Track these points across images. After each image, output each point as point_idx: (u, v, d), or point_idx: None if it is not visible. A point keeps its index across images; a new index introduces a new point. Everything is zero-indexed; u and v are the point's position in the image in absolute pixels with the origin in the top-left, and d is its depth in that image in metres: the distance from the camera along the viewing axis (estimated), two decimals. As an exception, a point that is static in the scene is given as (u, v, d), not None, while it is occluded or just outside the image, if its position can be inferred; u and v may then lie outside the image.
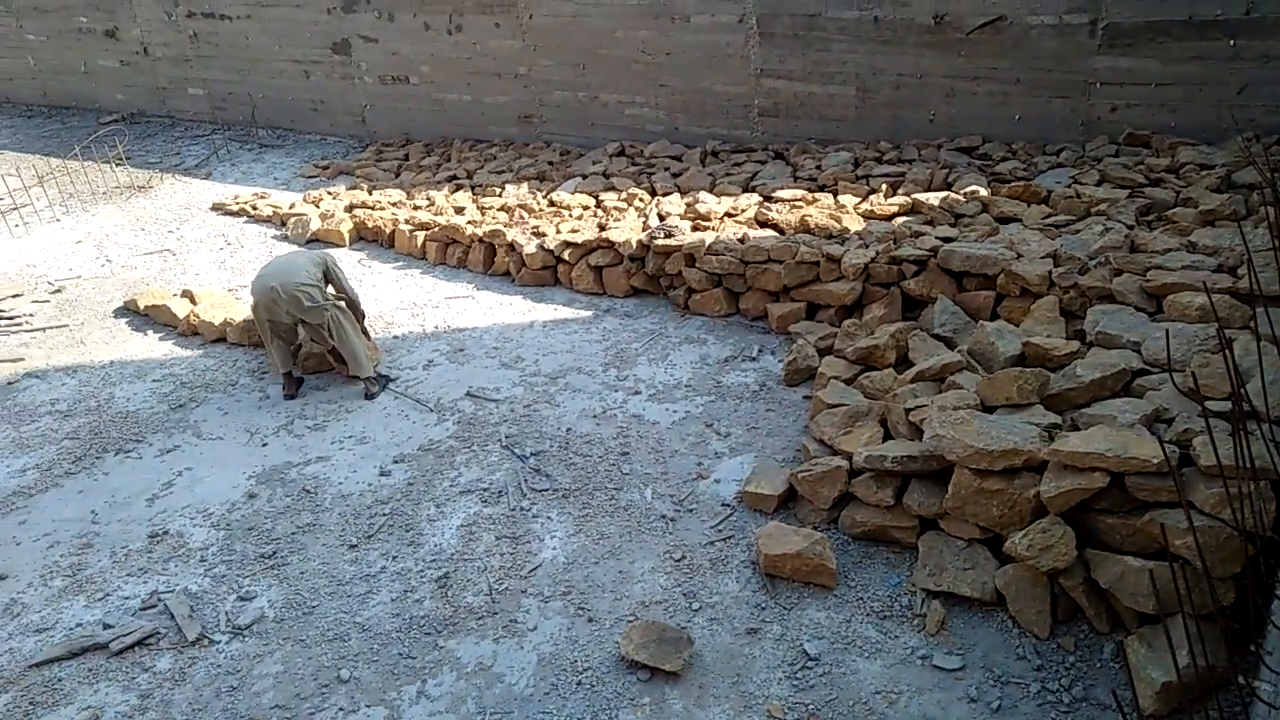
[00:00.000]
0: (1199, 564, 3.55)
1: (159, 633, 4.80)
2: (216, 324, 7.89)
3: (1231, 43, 7.76)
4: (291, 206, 10.59)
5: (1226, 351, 3.49)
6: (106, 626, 4.87)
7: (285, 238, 10.01)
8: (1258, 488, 3.66)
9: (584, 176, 10.06)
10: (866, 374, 6.09)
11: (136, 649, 4.70)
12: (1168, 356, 4.17)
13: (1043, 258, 6.37)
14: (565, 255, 8.31)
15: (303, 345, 7.19)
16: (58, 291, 9.17)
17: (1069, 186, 7.65)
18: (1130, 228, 6.72)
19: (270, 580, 5.11)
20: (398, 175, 11.47)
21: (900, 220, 7.62)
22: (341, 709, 4.24)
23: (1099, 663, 4.11)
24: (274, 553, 5.32)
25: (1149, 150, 8.19)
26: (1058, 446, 4.30)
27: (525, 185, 10.04)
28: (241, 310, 8.02)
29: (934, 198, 7.82)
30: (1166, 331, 3.95)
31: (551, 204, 9.39)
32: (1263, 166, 6.42)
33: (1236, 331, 4.97)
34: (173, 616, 4.90)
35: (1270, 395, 4.10)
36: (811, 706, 4.05)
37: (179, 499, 5.91)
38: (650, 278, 8.04)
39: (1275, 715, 2.83)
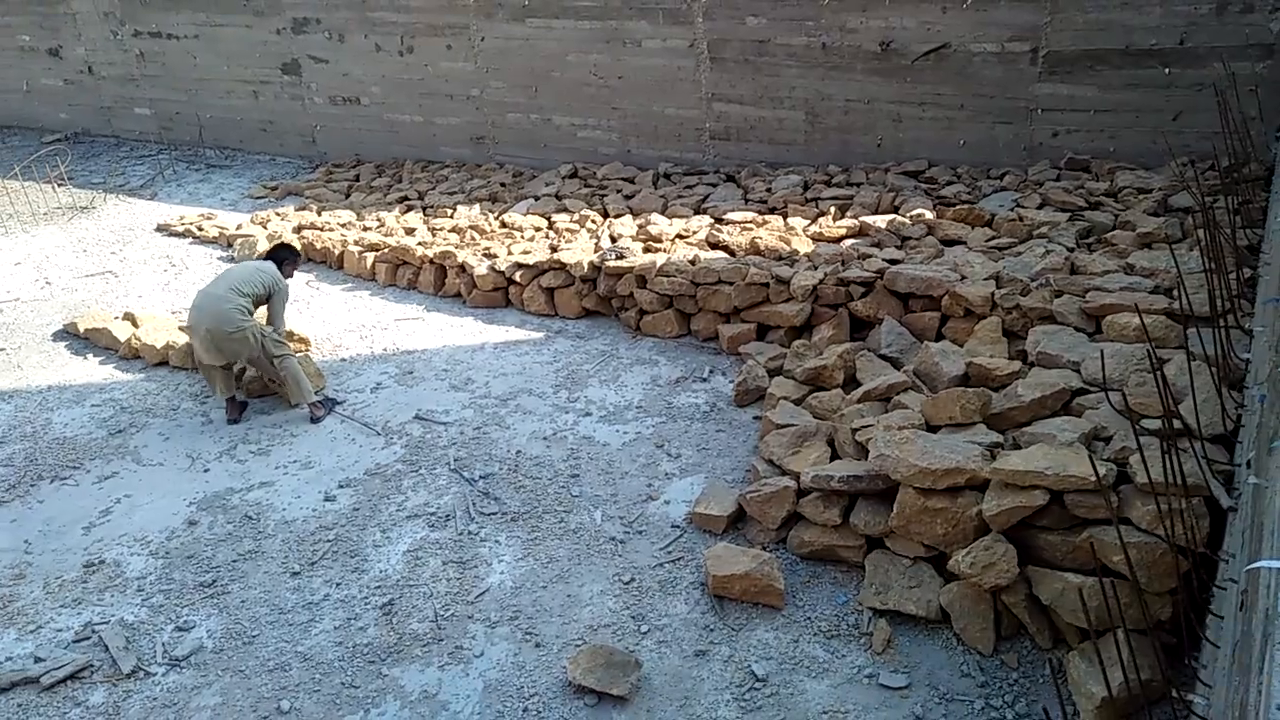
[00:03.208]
0: (1135, 579, 3.61)
1: (93, 665, 4.65)
2: (159, 347, 7.73)
3: (1166, 71, 8.01)
4: (238, 227, 10.44)
5: (1159, 371, 3.57)
6: (38, 660, 4.71)
7: (232, 259, 9.85)
8: (1190, 504, 3.74)
9: (536, 198, 10.06)
10: (815, 394, 6.13)
11: (69, 683, 4.55)
12: (1103, 376, 4.27)
13: (986, 279, 6.48)
14: (517, 277, 8.29)
15: (245, 369, 7.07)
16: (-6, 314, 8.93)
17: (1012, 210, 7.81)
18: (1070, 250, 6.86)
19: (210, 609, 4.99)
20: (348, 196, 11.38)
21: (848, 243, 7.71)
22: (281, 741, 4.14)
23: (1042, 679, 4.15)
24: (214, 581, 5.20)
25: (1089, 174, 8.40)
26: (999, 465, 4.36)
27: (477, 206, 10.01)
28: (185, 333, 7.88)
29: (881, 220, 7.93)
30: (1102, 352, 4.04)
31: (503, 225, 9.37)
32: (1196, 191, 6.60)
33: (1171, 351, 5.09)
34: (107, 649, 4.75)
35: (1202, 414, 4.19)
36: (759, 729, 4.03)
37: (117, 527, 5.75)
38: (602, 299, 8.04)
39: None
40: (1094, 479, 4.11)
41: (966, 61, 8.76)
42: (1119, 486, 4.21)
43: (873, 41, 9.07)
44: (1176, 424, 4.09)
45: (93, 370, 7.77)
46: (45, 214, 11.56)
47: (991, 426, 4.96)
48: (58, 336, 8.43)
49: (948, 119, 9.05)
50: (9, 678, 4.59)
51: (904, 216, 7.98)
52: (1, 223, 11.28)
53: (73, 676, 4.58)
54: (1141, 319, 4.39)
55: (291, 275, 7.25)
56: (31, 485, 6.24)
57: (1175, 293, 5.69)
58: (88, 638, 4.85)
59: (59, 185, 12.25)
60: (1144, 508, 4.01)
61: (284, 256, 7.21)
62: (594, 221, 9.11)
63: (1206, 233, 4.66)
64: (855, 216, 8.22)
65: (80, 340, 8.30)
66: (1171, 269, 5.95)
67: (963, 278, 6.55)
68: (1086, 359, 5.30)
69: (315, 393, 6.87)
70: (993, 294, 6.24)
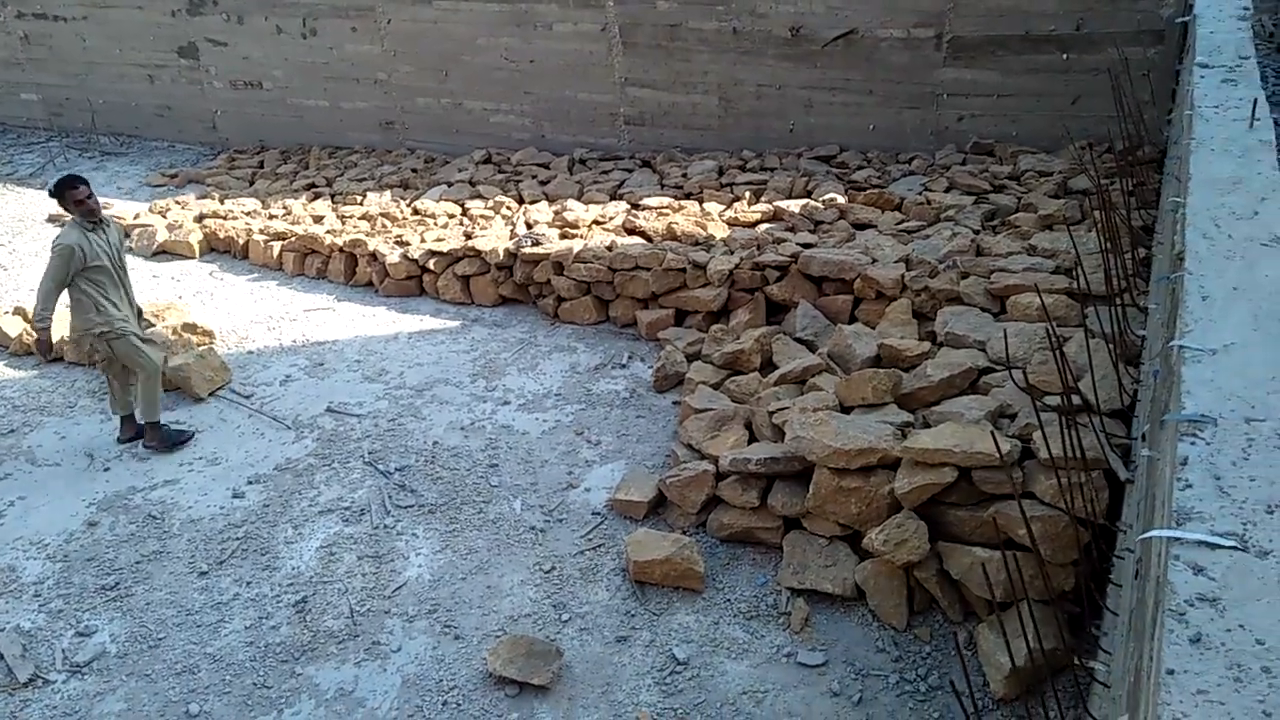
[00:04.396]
0: (1038, 552, 3.73)
1: (-15, 677, 4.43)
2: (53, 342, 7.36)
3: (1064, 56, 8.26)
4: (136, 217, 10.01)
5: (1059, 350, 3.69)
6: (-76, 674, 4.47)
7: (130, 250, 9.45)
8: (1090, 478, 3.87)
9: (449, 184, 9.89)
10: (733, 378, 6.18)
11: (-41, 697, 4.33)
12: (1007, 355, 4.39)
13: (896, 262, 6.61)
14: (431, 265, 8.14)
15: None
16: None
17: (920, 194, 7.97)
18: (976, 232, 7.04)
19: (112, 613, 4.80)
20: (252, 183, 11.01)
21: (763, 227, 7.78)
22: (191, 747, 4.01)
23: (953, 651, 4.27)
24: (116, 584, 5.00)
25: (993, 158, 8.62)
26: (909, 444, 4.45)
27: (388, 193, 9.80)
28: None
29: (795, 205, 8.02)
30: (1005, 331, 4.15)
31: (416, 212, 9.19)
32: (1094, 174, 6.83)
33: (1072, 330, 5.26)
34: (2, 657, 4.53)
35: (1100, 390, 4.35)
36: (680, 711, 4.06)
37: (10, 531, 5.48)
38: (519, 286, 7.96)
39: (1109, 693, 2.99)
40: (999, 455, 4.24)
41: (874, 47, 8.90)
42: (1023, 462, 4.35)
43: (783, 27, 9.13)
44: (1076, 400, 4.23)
45: (-20, 368, 7.38)
46: (-76, 204, 10.91)
47: (902, 406, 5.07)
48: (-59, 333, 7.97)
49: (857, 104, 9.19)
50: (-107, 695, 4.35)
51: (817, 201, 8.08)
52: (-125, 213, 10.61)
53: (-36, 690, 4.36)
54: (1042, 299, 4.52)
55: (83, 206, 5.70)
56: (-86, 491, 5.90)
57: (1075, 273, 5.88)
58: (-21, 649, 4.61)
59: (-62, 175, 11.58)
60: (1046, 482, 4.14)
61: (62, 190, 5.72)
62: (509, 208, 9.00)
63: (1103, 214, 4.83)
64: (770, 201, 8.29)
65: (-35, 337, 7.87)
66: (1071, 250, 6.15)
67: (874, 261, 6.66)
68: (992, 338, 5.45)
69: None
70: (903, 276, 6.37)
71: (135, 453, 6.18)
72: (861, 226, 7.62)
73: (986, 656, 4.08)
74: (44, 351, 6.11)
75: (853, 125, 9.29)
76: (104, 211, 6.00)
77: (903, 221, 7.55)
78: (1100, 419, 4.16)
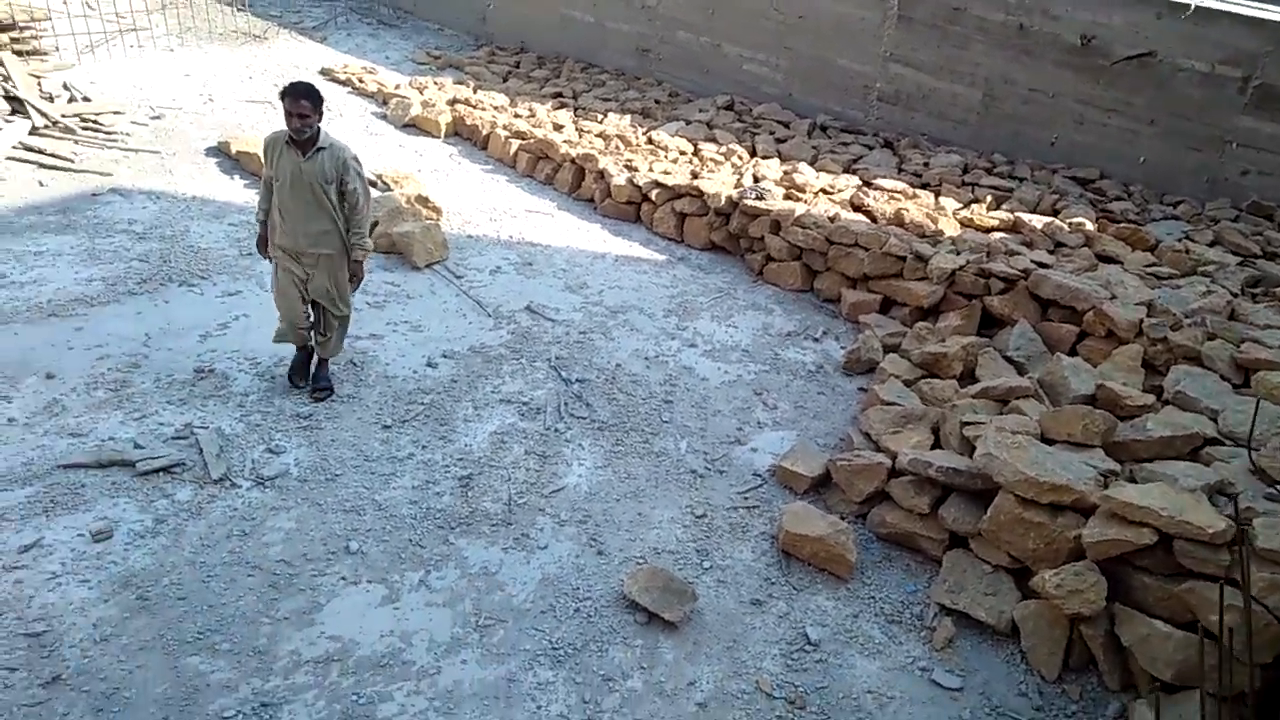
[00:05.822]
0: (1231, 644, 3.42)
1: (185, 464, 4.87)
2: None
3: (1389, 131, 7.37)
4: (396, 87, 10.57)
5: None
6: (138, 446, 4.96)
7: (384, 116, 10.01)
8: (1312, 583, 3.50)
9: (687, 122, 9.91)
10: (928, 380, 5.94)
11: (161, 474, 4.78)
12: (1250, 431, 4.01)
13: (1137, 304, 6.13)
14: (652, 195, 8.21)
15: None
16: (157, 118, 9.28)
17: (1180, 240, 7.36)
18: (1234, 295, 6.44)
19: (301, 440, 5.16)
20: (505, 80, 11.39)
21: (997, 235, 7.39)
22: (343, 578, 4.28)
23: (1101, 718, 4.00)
24: (310, 415, 5.37)
25: (1270, 223, 7.84)
26: (1112, 494, 4.16)
27: (628, 118, 9.91)
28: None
29: (1038, 220, 7.57)
30: (1257, 404, 3.77)
31: (650, 142, 9.26)
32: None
33: (1323, 424, 4.75)
34: (201, 451, 4.97)
35: (1347, 494, 3.91)
36: (801, 689, 4.00)
37: (231, 342, 5.97)
38: (731, 236, 7.92)
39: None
40: (1212, 531, 3.90)
41: (1169, 75, 8.21)
42: (1233, 546, 3.98)
43: (1073, 33, 8.55)
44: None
45: (236, 191, 8.02)
46: (220, 35, 11.88)
47: (1110, 454, 4.73)
48: (210, 153, 8.72)
49: (1133, 131, 8.53)
50: (109, 456, 4.85)
51: (1063, 222, 7.60)
52: (179, 33, 11.64)
53: (166, 470, 4.81)
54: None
55: (290, 120, 4.95)
56: (161, 285, 6.50)
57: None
58: (186, 438, 5.07)
59: (239, 10, 12.55)
60: (1258, 573, 3.78)
61: (282, 94, 4.99)
62: (740, 157, 8.93)
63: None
64: (1011, 211, 7.86)
65: (230, 160, 8.57)
66: (1342, 340, 5.54)
67: (1113, 297, 6.21)
68: (1228, 410, 4.99)
69: (434, 265, 6.50)
70: (1141, 321, 5.91)
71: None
72: (1106, 259, 7.11)
73: (1137, 734, 3.81)
74: (260, 249, 5.45)
75: (1121, 152, 8.64)
76: (326, 138, 5.08)
77: (1153, 265, 6.99)
78: (1339, 526, 3.75)
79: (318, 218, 5.16)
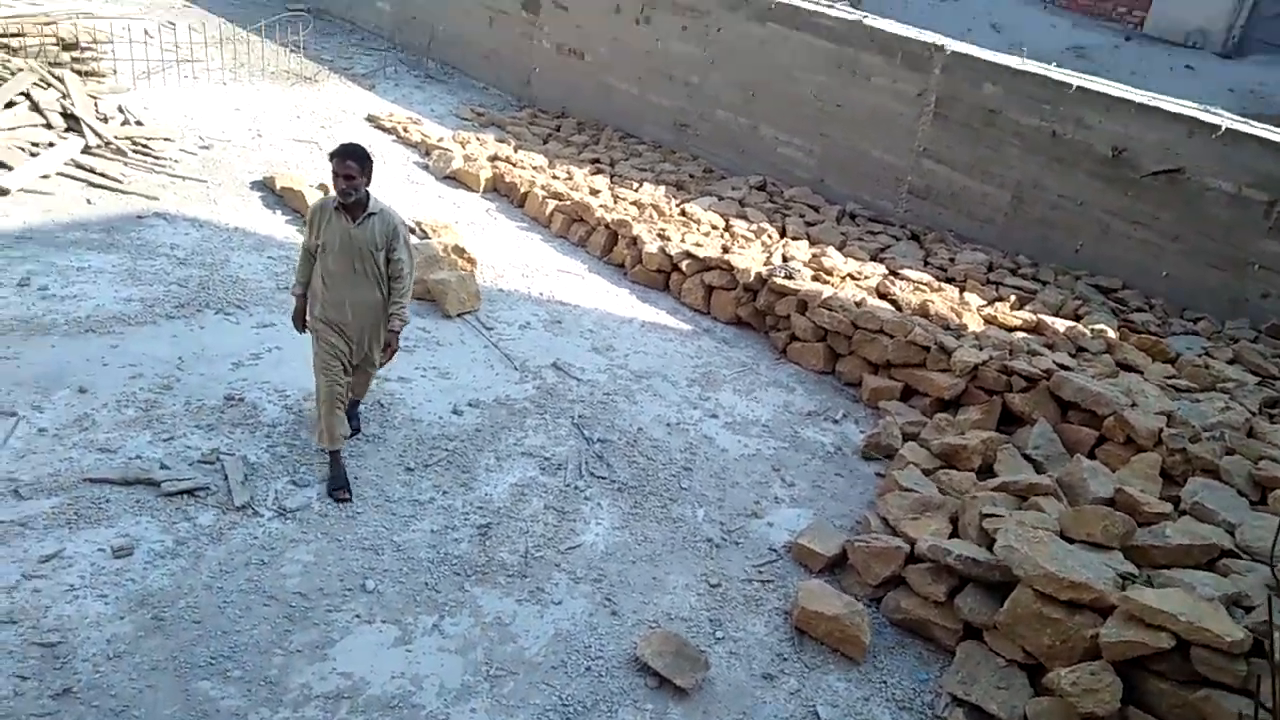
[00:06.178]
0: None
1: (210, 488, 4.91)
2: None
3: None
4: (439, 140, 10.83)
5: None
6: (164, 467, 5.00)
7: (426, 167, 10.24)
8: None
9: (720, 198, 10.11)
10: (945, 470, 5.98)
11: (185, 496, 4.82)
12: (1272, 548, 4.04)
13: (1157, 414, 6.19)
14: (683, 265, 8.35)
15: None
16: (206, 148, 9.50)
17: (1200, 356, 7.45)
18: (1252, 414, 6.50)
19: (325, 475, 5.19)
20: (545, 142, 11.66)
21: (1020, 335, 7.49)
22: (358, 616, 4.29)
23: (1107, 826, 3.96)
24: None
25: (1290, 346, 7.93)
26: (1132, 595, 4.17)
27: (663, 189, 10.12)
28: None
29: (1060, 324, 7.68)
30: (1281, 522, 3.81)
31: (683, 214, 9.44)
32: None
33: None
34: (226, 477, 5.01)
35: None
36: (807, 769, 3.97)
37: (262, 373, 6.05)
38: (758, 312, 8.02)
39: None
40: (1230, 640, 3.91)
41: (1197, 194, 8.38)
42: (1250, 657, 3.98)
43: (1105, 144, 8.76)
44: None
45: (277, 226, 8.19)
46: (272, 73, 12.22)
47: (1128, 557, 4.74)
48: (255, 186, 8.91)
49: (1158, 246, 8.68)
50: (135, 474, 4.89)
51: (1085, 328, 7.70)
52: (232, 70, 11.97)
53: (190, 492, 4.85)
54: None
55: (336, 180, 4.77)
56: (198, 310, 6.61)
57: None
58: (212, 462, 5.12)
59: (292, 50, 12.92)
60: (1270, 686, 3.77)
61: (331, 155, 4.83)
62: (770, 236, 9.09)
63: None
64: (1034, 312, 7.97)
65: (273, 195, 8.75)
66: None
67: (1134, 405, 6.27)
68: (1245, 524, 5.02)
69: (463, 314, 6.48)
70: (1160, 430, 5.96)
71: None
72: (1127, 368, 7.19)
73: (1144, 846, 3.76)
74: (296, 324, 5.21)
75: (1145, 265, 8.78)
76: (376, 203, 4.93)
77: (1173, 377, 7.07)
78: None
79: (365, 286, 4.96)
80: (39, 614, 3.95)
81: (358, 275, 4.93)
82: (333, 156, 4.74)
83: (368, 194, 4.87)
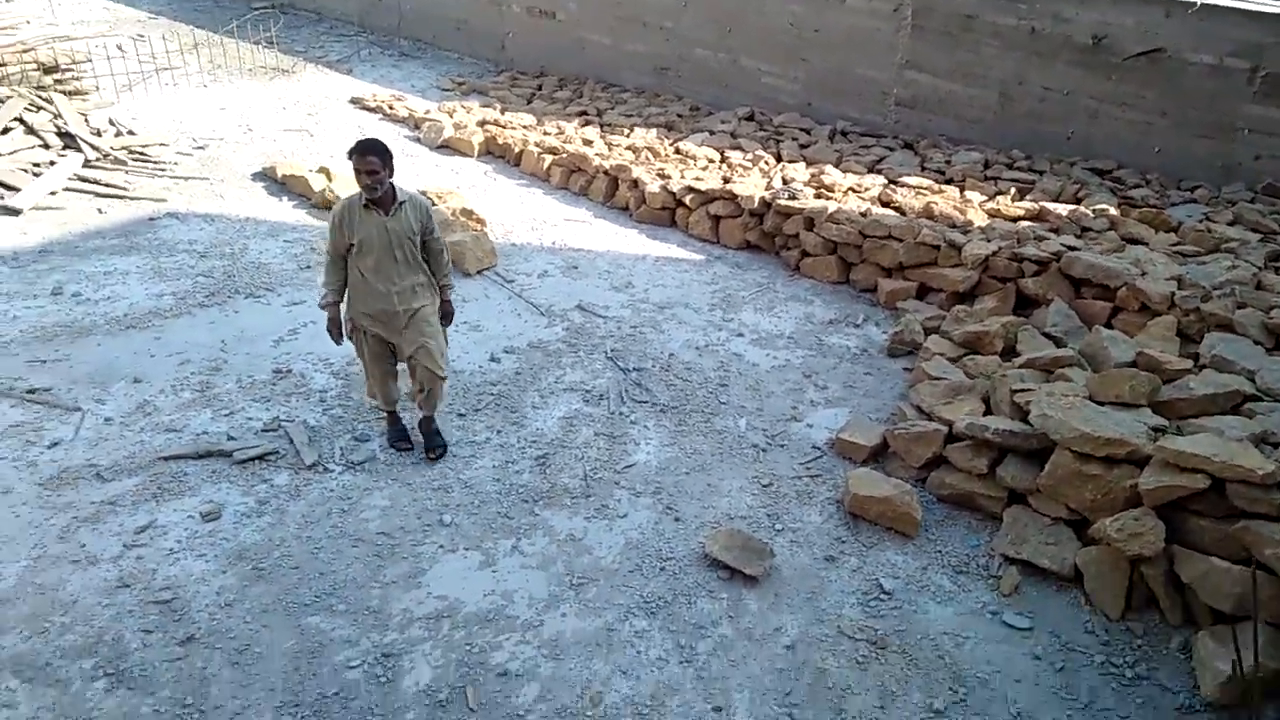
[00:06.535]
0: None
1: (278, 452, 5.14)
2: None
3: (1396, 110, 7.66)
4: (426, 112, 10.94)
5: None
6: (231, 439, 5.23)
7: (418, 139, 10.37)
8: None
9: (711, 133, 10.24)
10: (971, 356, 6.20)
11: (257, 462, 5.05)
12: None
13: (1167, 279, 6.40)
14: (686, 200, 8.51)
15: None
16: (201, 148, 9.63)
17: (1200, 221, 7.64)
18: (1258, 269, 6.71)
19: (383, 430, 5.41)
20: (530, 102, 11.76)
21: (1025, 224, 7.67)
22: (441, 546, 4.53)
23: (1165, 651, 4.22)
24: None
25: (1286, 204, 8.12)
26: (1164, 444, 4.40)
27: (653, 131, 10.25)
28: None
29: (1062, 209, 7.86)
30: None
31: (678, 152, 9.59)
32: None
33: (1357, 375, 5.00)
34: (292, 441, 5.23)
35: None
36: (881, 632, 4.23)
37: (303, 346, 6.25)
38: (766, 235, 8.21)
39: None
40: (1262, 473, 4.14)
41: (1179, 69, 8.53)
42: (1281, 487, 4.22)
43: (1084, 33, 8.89)
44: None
45: (287, 212, 8.34)
46: (250, 70, 12.29)
47: (1157, 413, 4.97)
48: (256, 177, 9.05)
49: (1146, 123, 8.84)
50: (206, 447, 5.12)
51: (1087, 209, 7.89)
52: (211, 70, 12.04)
53: (261, 458, 5.08)
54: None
55: (360, 179, 4.69)
56: (229, 297, 6.80)
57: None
58: (275, 430, 5.34)
59: (266, 47, 12.97)
60: (1308, 506, 4.01)
61: (350, 153, 4.72)
62: (767, 163, 9.25)
63: None
64: (1035, 201, 8.15)
65: (277, 184, 8.90)
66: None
67: (1143, 274, 6.48)
68: (1264, 369, 5.24)
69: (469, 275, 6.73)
70: (1173, 294, 6.17)
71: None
72: (1132, 241, 7.39)
73: (1203, 662, 4.02)
74: (333, 334, 5.07)
75: (1136, 144, 8.95)
76: (403, 191, 4.88)
77: (1178, 244, 7.27)
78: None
79: (410, 272, 4.89)
80: (147, 577, 4.19)
81: (399, 264, 4.84)
82: (352, 154, 4.64)
83: (393, 185, 4.80)
